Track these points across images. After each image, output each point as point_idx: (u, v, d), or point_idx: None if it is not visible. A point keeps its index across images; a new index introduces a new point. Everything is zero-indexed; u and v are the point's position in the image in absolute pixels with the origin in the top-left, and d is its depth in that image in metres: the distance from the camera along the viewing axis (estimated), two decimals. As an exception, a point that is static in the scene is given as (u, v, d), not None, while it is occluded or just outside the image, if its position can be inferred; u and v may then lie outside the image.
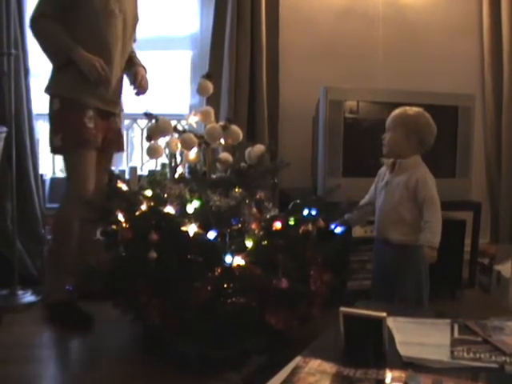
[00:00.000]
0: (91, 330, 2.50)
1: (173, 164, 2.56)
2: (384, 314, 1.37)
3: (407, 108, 2.34)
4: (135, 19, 2.81)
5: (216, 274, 2.10)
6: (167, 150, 2.57)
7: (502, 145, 3.77)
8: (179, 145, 2.50)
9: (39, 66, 3.04)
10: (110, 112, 2.72)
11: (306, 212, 2.38)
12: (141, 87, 2.74)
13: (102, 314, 2.61)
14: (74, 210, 2.58)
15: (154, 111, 2.54)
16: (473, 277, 3.24)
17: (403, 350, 1.43)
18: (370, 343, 1.36)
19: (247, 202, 2.25)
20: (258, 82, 3.42)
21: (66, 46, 2.52)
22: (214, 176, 2.53)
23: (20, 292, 2.94)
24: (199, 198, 2.22)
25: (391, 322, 1.57)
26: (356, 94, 3.13)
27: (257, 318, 2.11)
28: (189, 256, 2.13)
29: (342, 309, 1.41)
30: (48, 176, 3.43)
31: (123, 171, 3.43)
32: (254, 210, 2.25)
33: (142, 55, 2.93)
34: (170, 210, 2.20)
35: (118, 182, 2.52)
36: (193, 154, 2.52)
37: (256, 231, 2.16)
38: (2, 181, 3.01)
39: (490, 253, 3.45)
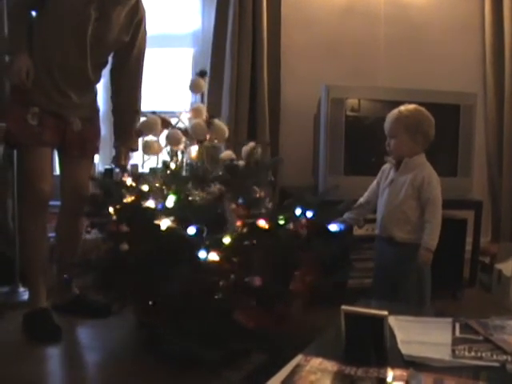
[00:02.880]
0: (58, 341, 2.41)
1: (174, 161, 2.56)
2: (385, 313, 1.36)
3: (401, 109, 2.34)
4: (115, 45, 2.63)
5: (187, 269, 2.07)
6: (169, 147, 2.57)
7: (503, 143, 3.77)
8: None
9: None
10: (65, 115, 2.56)
11: (298, 211, 2.35)
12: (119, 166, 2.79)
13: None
14: (29, 212, 2.53)
15: (155, 108, 2.54)
16: (474, 276, 3.24)
17: (404, 349, 1.43)
18: (371, 342, 1.36)
19: (228, 197, 2.23)
20: (259, 79, 3.42)
21: (15, 45, 2.44)
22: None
23: (21, 289, 2.95)
24: (175, 193, 2.22)
25: (392, 320, 1.57)
26: (357, 92, 3.12)
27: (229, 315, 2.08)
28: (161, 250, 2.11)
29: (344, 307, 1.40)
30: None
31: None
32: (233, 205, 2.21)
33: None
34: (150, 204, 2.22)
35: (125, 175, 2.55)
36: (194, 151, 2.52)
37: (239, 228, 2.14)
38: (2, 178, 3.01)
39: (491, 251, 3.45)
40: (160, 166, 2.59)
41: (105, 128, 3.00)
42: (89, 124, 2.66)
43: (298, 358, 1.38)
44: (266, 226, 2.17)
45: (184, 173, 2.51)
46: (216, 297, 2.10)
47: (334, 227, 2.40)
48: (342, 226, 2.42)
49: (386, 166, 2.43)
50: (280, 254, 2.20)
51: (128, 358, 2.28)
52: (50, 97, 2.48)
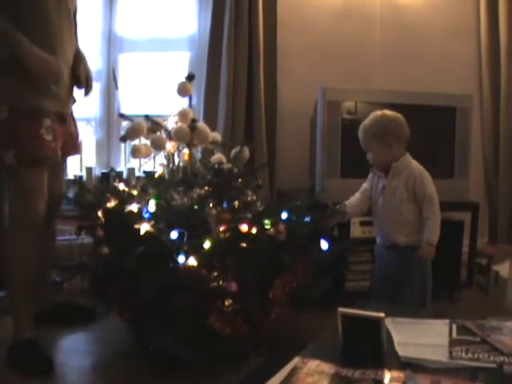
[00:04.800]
0: (51, 373, 2.18)
1: (171, 165, 2.56)
2: (382, 315, 1.37)
3: (365, 121, 2.35)
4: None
5: (162, 273, 2.05)
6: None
7: (499, 145, 3.78)
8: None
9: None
10: (65, 113, 2.41)
11: (284, 215, 2.33)
12: (89, 87, 2.51)
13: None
14: (23, 236, 2.26)
15: (154, 112, 2.53)
16: (471, 277, 3.24)
17: (401, 351, 1.43)
18: (368, 344, 1.37)
19: (210, 202, 2.21)
20: (255, 82, 3.42)
21: (9, 39, 2.08)
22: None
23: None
24: (156, 198, 2.22)
25: (389, 322, 1.58)
26: (354, 94, 3.13)
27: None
28: (139, 254, 2.10)
29: (341, 309, 1.41)
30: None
31: (121, 172, 3.44)
32: (214, 211, 2.18)
33: (140, 56, 2.91)
34: (134, 208, 2.22)
35: (117, 180, 2.54)
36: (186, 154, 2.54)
37: (223, 234, 2.12)
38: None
39: (488, 253, 3.46)
40: (156, 169, 2.60)
41: (101, 132, 3.00)
42: (72, 120, 2.52)
43: (296, 361, 1.38)
44: (249, 231, 2.14)
45: (170, 177, 2.51)
46: (192, 302, 2.06)
47: (324, 245, 2.36)
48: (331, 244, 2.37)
49: (373, 174, 2.42)
50: (260, 260, 2.17)
51: (128, 358, 2.27)
52: (49, 92, 2.25)
